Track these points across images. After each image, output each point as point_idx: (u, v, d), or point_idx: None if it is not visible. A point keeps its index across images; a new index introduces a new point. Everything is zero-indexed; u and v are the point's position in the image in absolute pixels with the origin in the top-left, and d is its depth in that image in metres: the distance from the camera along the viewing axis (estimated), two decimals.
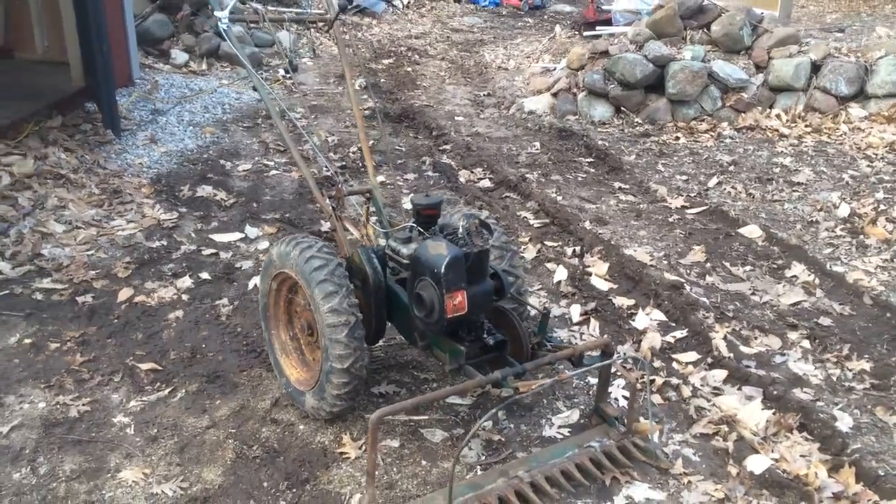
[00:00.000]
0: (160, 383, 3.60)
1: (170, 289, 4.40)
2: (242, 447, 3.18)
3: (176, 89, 8.15)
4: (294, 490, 2.96)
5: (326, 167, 6.10)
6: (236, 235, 5.08)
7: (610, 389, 3.48)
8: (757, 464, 3.11)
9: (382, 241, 3.73)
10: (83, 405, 3.41)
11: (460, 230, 2.99)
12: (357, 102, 4.10)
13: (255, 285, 4.42)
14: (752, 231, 5.26)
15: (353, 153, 6.70)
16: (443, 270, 2.82)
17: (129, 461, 3.10)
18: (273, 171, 6.23)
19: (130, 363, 3.72)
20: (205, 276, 4.55)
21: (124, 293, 4.32)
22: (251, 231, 5.13)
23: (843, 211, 5.54)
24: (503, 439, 3.27)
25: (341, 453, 3.14)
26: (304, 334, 3.36)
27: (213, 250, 4.86)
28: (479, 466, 3.10)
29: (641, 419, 3.26)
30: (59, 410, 3.37)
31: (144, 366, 3.70)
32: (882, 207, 5.59)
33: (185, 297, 4.33)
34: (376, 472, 2.88)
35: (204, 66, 9.04)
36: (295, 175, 6.16)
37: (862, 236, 5.21)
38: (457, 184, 6.08)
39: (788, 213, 5.64)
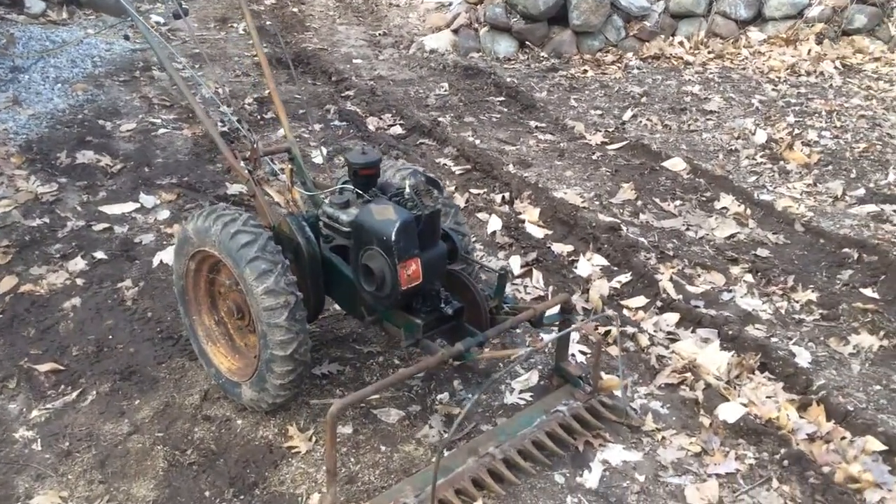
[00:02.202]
0: (65, 386, 3.14)
1: (61, 273, 3.86)
2: (174, 453, 2.79)
3: (35, 42, 7.25)
4: (242, 497, 2.62)
5: (223, 122, 5.58)
6: (130, 206, 4.53)
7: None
8: (729, 412, 2.99)
9: (309, 206, 3.36)
10: None
11: (407, 190, 2.66)
12: (260, 45, 3.62)
13: (161, 262, 3.95)
14: (675, 164, 5.15)
15: (249, 105, 6.15)
16: (394, 237, 2.49)
17: (40, 484, 2.67)
18: (162, 130, 5.63)
19: (25, 365, 3.23)
20: (100, 255, 4.02)
21: (7, 282, 3.75)
22: (147, 199, 4.59)
23: (760, 137, 5.52)
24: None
25: (289, 448, 2.81)
26: (233, 318, 2.97)
27: (106, 224, 4.31)
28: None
29: (603, 375, 3.08)
30: None
31: (43, 367, 3.21)
32: (796, 131, 5.60)
33: (79, 281, 3.81)
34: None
35: (64, 15, 8.09)
36: (187, 133, 5.58)
37: (782, 162, 5.20)
38: (367, 133, 5.68)
39: (707, 142, 5.56)
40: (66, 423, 2.93)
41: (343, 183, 3.09)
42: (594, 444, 2.85)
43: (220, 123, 5.63)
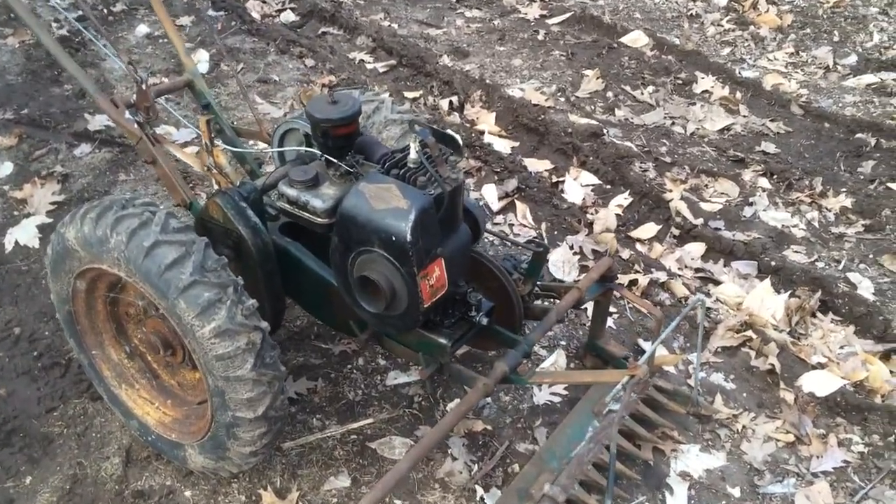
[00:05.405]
0: None
1: None
2: None
3: None
4: None
5: (58, 22, 4.25)
6: None
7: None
8: (818, 384, 2.39)
9: (237, 169, 2.39)
10: None
11: (412, 154, 1.75)
12: None
13: (18, 244, 2.86)
14: (636, 39, 4.36)
15: None
16: (409, 237, 1.63)
17: None
18: None
19: None
20: None
21: None
22: None
23: None
24: (489, 427, 2.28)
25: None
26: (154, 352, 2.03)
27: None
28: (478, 485, 2.11)
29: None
30: None
31: None
32: None
33: None
34: None
35: None
36: (13, 42, 4.22)
37: (753, 27, 4.51)
38: (253, 23, 4.50)
39: (663, 8, 4.78)
40: None
41: (284, 132, 2.15)
42: (665, 451, 2.20)
43: (54, 25, 4.30)
